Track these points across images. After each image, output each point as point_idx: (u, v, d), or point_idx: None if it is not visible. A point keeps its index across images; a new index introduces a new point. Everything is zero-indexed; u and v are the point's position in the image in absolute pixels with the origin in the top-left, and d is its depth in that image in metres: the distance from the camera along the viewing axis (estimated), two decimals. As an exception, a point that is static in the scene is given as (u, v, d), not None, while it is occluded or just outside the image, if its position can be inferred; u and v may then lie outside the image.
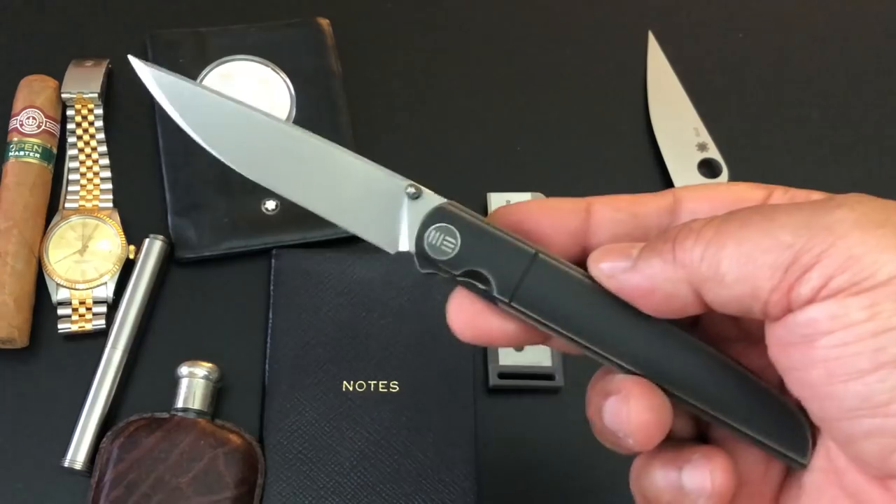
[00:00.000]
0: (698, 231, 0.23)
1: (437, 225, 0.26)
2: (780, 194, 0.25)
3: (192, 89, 0.29)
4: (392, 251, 0.27)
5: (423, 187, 0.27)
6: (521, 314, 0.25)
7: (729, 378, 0.25)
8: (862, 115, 0.58)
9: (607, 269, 0.24)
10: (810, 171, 0.55)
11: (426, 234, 0.26)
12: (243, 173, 0.28)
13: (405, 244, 0.27)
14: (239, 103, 0.28)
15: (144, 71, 0.29)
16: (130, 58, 0.30)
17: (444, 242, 0.26)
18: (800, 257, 0.21)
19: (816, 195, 0.25)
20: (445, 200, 0.27)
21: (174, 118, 0.29)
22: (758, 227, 0.22)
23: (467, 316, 0.26)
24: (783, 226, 0.21)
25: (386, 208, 0.27)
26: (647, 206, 0.26)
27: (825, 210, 0.21)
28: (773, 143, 0.56)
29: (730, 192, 0.26)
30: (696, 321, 0.27)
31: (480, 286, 0.26)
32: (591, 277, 0.25)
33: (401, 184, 0.27)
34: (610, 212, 0.26)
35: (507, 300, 0.25)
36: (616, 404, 0.24)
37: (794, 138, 0.56)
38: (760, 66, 0.59)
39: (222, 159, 0.28)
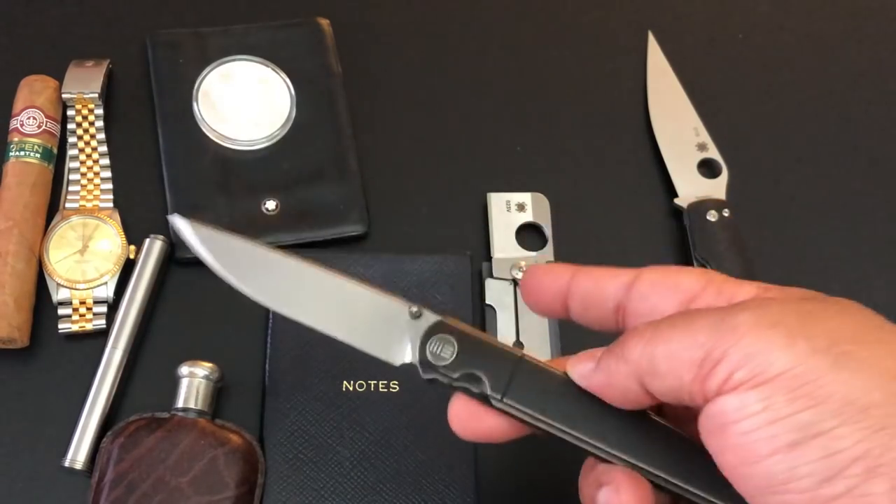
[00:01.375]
0: (640, 332, 0.27)
1: (438, 336, 0.31)
2: (713, 289, 0.29)
3: (228, 241, 0.35)
4: (397, 363, 0.32)
5: (423, 308, 0.32)
6: (513, 409, 0.30)
7: (690, 453, 0.28)
8: (862, 115, 0.58)
9: (578, 372, 0.29)
10: (810, 170, 0.55)
11: (428, 345, 0.31)
12: (269, 306, 0.34)
13: (408, 357, 0.32)
14: (270, 250, 0.34)
15: (186, 229, 0.34)
16: (171, 218, 0.35)
17: (443, 350, 0.31)
18: (710, 354, 0.24)
19: (746, 287, 0.28)
20: (441, 317, 0.32)
21: (210, 266, 0.34)
22: (682, 328, 0.26)
23: (466, 418, 0.31)
24: (701, 328, 0.25)
25: (391, 328, 0.32)
26: (615, 280, 0.30)
27: (733, 313, 0.25)
28: (773, 143, 0.56)
29: (671, 280, 0.29)
30: (660, 407, 0.31)
31: (474, 389, 0.30)
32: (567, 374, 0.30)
33: (404, 307, 0.32)
34: (584, 281, 0.31)
35: (499, 397, 0.30)
36: (608, 495, 0.28)
37: (794, 138, 0.56)
38: (760, 66, 0.59)
39: (255, 298, 0.34)
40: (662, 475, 0.28)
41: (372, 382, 0.45)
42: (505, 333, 0.47)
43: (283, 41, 0.54)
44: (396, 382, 0.45)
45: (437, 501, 0.43)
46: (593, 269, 0.31)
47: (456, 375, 0.30)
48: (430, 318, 0.32)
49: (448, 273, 0.48)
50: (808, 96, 0.58)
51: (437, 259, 0.48)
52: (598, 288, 0.31)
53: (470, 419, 0.31)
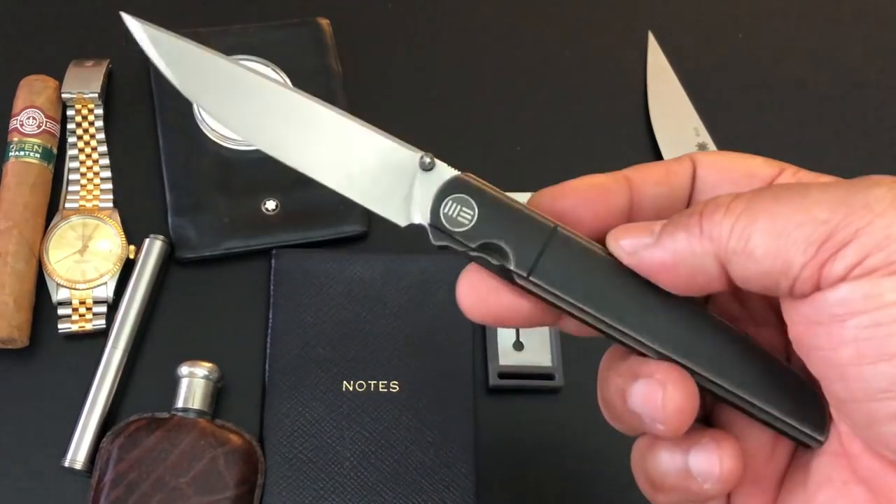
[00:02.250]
0: (727, 205, 0.22)
1: (454, 195, 0.25)
2: (790, 174, 0.25)
3: (189, 49, 0.28)
4: (403, 224, 0.27)
5: (436, 159, 0.26)
6: (539, 290, 0.25)
7: (750, 356, 0.24)
8: (862, 115, 0.58)
9: (628, 245, 0.24)
10: (811, 170, 0.55)
11: (442, 205, 0.26)
12: (245, 139, 0.28)
13: (417, 217, 0.26)
14: (240, 65, 0.27)
15: (138, 29, 0.28)
16: (123, 14, 0.29)
17: (461, 214, 0.25)
18: (835, 233, 0.20)
19: (825, 178, 0.24)
20: (460, 172, 0.26)
21: (172, 81, 0.28)
22: (791, 202, 0.21)
23: (480, 293, 0.26)
24: (818, 202, 0.21)
25: (397, 179, 0.26)
26: (678, 176, 0.26)
27: (863, 188, 0.21)
28: (773, 142, 0.56)
29: (743, 166, 0.26)
30: (705, 300, 0.27)
31: (495, 262, 0.25)
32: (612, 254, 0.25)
33: (414, 155, 0.26)
34: (651, 187, 0.26)
35: (525, 274, 0.25)
36: (648, 388, 0.24)
37: (795, 138, 0.56)
38: (760, 66, 0.59)
39: (223, 124, 0.28)
40: (720, 382, 0.24)
41: (372, 382, 0.45)
42: (505, 333, 0.47)
43: (283, 41, 0.54)
44: (396, 382, 0.45)
45: (437, 501, 0.43)
46: (644, 171, 0.26)
47: (475, 245, 0.25)
48: (444, 172, 0.26)
49: (448, 273, 0.48)
50: (809, 96, 0.58)
51: (437, 259, 0.48)
52: (672, 190, 0.26)
53: (486, 296, 0.26)
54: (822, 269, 0.21)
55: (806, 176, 0.25)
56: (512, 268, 0.25)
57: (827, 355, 0.21)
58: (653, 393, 0.24)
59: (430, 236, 0.26)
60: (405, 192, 0.26)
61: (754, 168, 0.25)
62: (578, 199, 0.26)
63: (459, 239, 0.25)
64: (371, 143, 0.27)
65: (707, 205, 0.23)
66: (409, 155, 0.27)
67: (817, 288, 0.21)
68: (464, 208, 0.25)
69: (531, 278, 0.25)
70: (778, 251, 0.21)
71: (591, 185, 0.26)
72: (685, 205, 0.26)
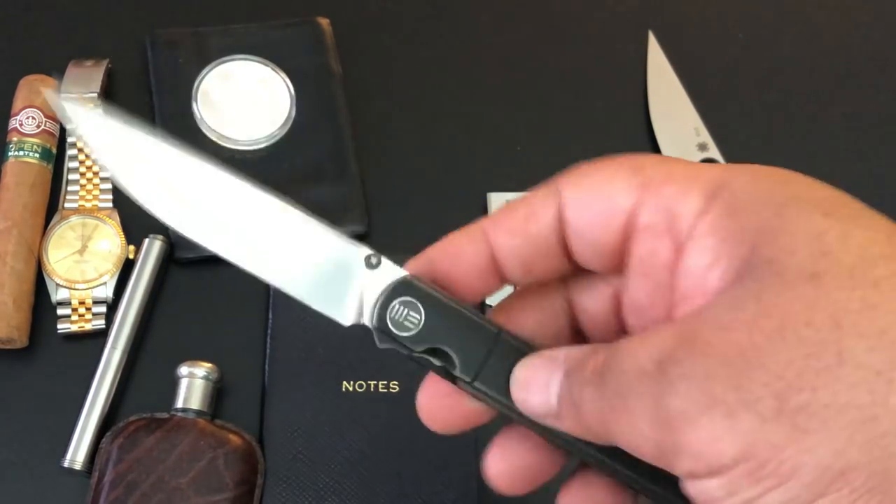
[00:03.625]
0: (589, 398, 0.22)
1: (402, 299, 0.25)
2: (651, 206, 0.23)
3: (103, 121, 0.26)
4: (345, 323, 0.26)
5: (382, 256, 0.25)
6: (483, 395, 0.25)
7: None
8: (862, 115, 0.58)
9: (533, 408, 0.24)
10: (811, 170, 0.55)
11: (389, 308, 0.25)
12: (169, 223, 0.26)
13: (363, 318, 0.25)
14: (174, 147, 0.26)
15: (59, 105, 0.26)
16: (46, 92, 0.27)
17: (408, 318, 0.25)
18: (662, 445, 0.20)
19: (691, 204, 0.22)
20: (407, 273, 0.25)
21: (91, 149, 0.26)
22: (623, 407, 0.21)
23: (440, 401, 0.26)
24: (642, 407, 0.20)
25: (342, 277, 0.25)
26: (538, 221, 0.25)
27: (667, 396, 0.19)
28: (773, 142, 0.56)
29: (603, 201, 0.24)
30: None
31: (438, 364, 0.25)
32: None
33: (359, 251, 0.25)
34: (506, 238, 0.25)
35: (469, 380, 0.24)
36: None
37: (795, 138, 0.56)
38: (760, 66, 0.59)
39: (144, 204, 0.26)
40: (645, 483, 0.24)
41: (372, 382, 0.45)
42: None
43: (283, 41, 0.54)
44: (396, 382, 0.45)
45: (437, 501, 0.43)
46: (501, 220, 0.25)
47: (420, 349, 0.24)
48: (391, 271, 0.25)
49: (448, 273, 0.48)
50: (809, 96, 0.58)
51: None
52: (529, 238, 0.25)
53: (447, 402, 0.26)
54: (672, 467, 0.20)
55: (667, 194, 0.22)
56: (457, 373, 0.24)
57: None
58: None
59: (375, 339, 0.25)
60: (350, 291, 0.25)
61: (614, 198, 0.23)
62: (444, 264, 0.25)
63: (405, 343, 0.25)
64: (315, 238, 0.26)
65: (580, 390, 0.22)
66: (354, 252, 0.25)
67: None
68: (411, 312, 0.25)
69: (475, 384, 0.24)
70: (643, 454, 0.21)
71: (446, 252, 0.26)
72: (552, 250, 0.25)
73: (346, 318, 0.26)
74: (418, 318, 0.25)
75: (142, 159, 0.27)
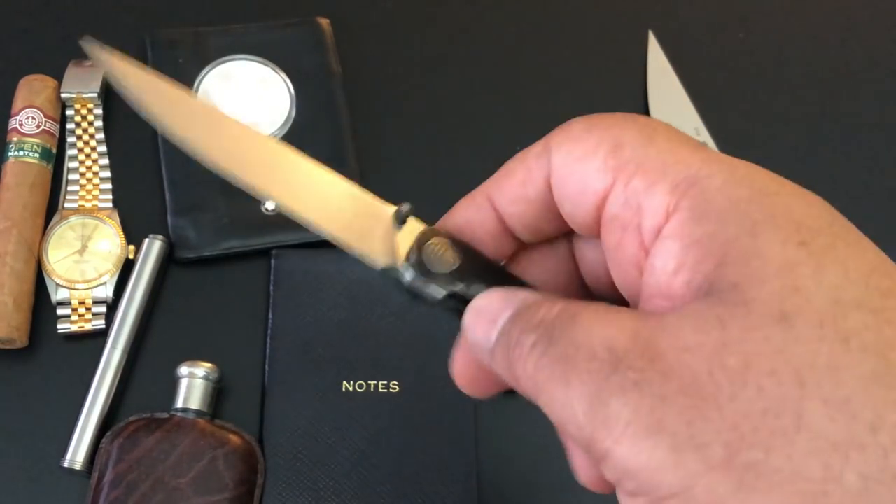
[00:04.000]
0: (525, 369, 0.21)
1: (437, 239, 0.25)
2: (622, 186, 0.22)
3: (161, 86, 0.27)
4: (378, 266, 0.26)
5: (411, 212, 0.26)
6: None
7: None
8: (862, 115, 0.58)
9: (477, 344, 0.23)
10: (811, 170, 0.55)
11: (426, 246, 0.25)
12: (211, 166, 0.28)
13: (392, 261, 0.25)
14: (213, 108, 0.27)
15: (103, 59, 0.26)
16: (83, 43, 0.27)
17: (443, 258, 0.25)
18: (592, 445, 0.19)
19: (657, 201, 0.21)
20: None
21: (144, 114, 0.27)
22: (560, 389, 0.19)
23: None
24: (576, 398, 0.19)
25: (372, 223, 0.26)
26: (535, 184, 0.24)
27: (606, 396, 0.18)
28: (773, 142, 0.56)
29: (580, 176, 0.23)
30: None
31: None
32: None
33: (387, 208, 0.26)
34: (510, 205, 0.25)
35: None
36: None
37: (795, 138, 0.56)
38: (760, 66, 0.59)
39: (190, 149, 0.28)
40: None
41: (372, 382, 0.45)
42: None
43: (283, 41, 0.54)
44: (396, 382, 0.45)
45: (437, 501, 0.43)
46: (501, 186, 0.25)
47: (453, 289, 0.25)
48: (419, 226, 0.26)
49: (448, 273, 0.48)
50: (809, 96, 0.58)
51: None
52: (530, 203, 0.24)
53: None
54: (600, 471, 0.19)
55: (637, 186, 0.22)
56: None
57: None
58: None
59: (406, 279, 0.25)
60: (383, 236, 0.26)
61: (588, 180, 0.23)
62: (458, 234, 0.25)
63: (441, 283, 0.25)
64: (348, 190, 0.27)
65: (513, 348, 0.21)
66: (384, 208, 0.26)
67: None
68: (445, 253, 0.25)
69: None
70: (565, 432, 0.21)
71: (457, 224, 0.26)
72: (552, 212, 0.24)
73: (378, 261, 0.26)
74: (452, 260, 0.25)
75: (192, 114, 0.27)
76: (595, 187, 0.22)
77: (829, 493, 0.16)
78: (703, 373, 0.18)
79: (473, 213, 0.25)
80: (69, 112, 0.50)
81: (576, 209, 0.23)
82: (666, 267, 0.20)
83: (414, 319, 0.46)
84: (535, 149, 0.25)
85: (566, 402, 0.19)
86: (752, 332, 0.18)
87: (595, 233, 0.24)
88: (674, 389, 0.18)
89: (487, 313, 0.23)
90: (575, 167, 0.23)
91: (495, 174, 0.26)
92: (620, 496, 0.19)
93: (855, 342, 0.17)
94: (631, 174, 0.22)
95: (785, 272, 0.18)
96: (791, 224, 0.19)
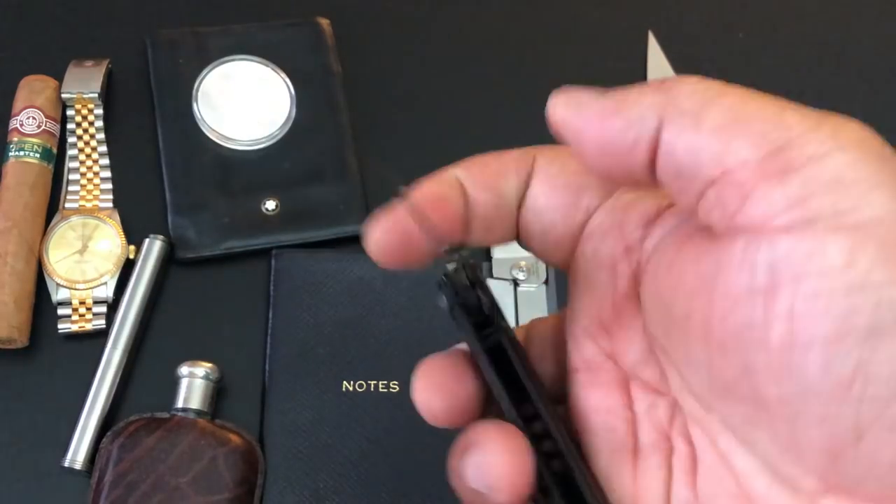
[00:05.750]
0: (700, 78, 0.19)
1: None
2: (616, 196, 0.23)
3: None
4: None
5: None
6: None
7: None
8: (862, 115, 0.58)
9: (568, 102, 0.21)
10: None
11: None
12: None
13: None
14: None
15: None
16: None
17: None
18: (788, 147, 0.17)
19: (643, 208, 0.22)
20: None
21: None
22: (767, 100, 0.18)
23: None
24: (790, 111, 0.18)
25: None
26: (512, 178, 0.24)
27: (824, 115, 0.18)
28: (773, 143, 0.56)
29: (576, 193, 0.23)
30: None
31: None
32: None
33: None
34: (480, 191, 0.23)
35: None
36: (477, 457, 0.22)
37: (794, 138, 0.56)
38: (760, 66, 0.59)
39: None
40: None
41: (372, 382, 0.45)
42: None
43: (283, 41, 0.54)
44: (396, 382, 0.45)
45: (437, 501, 0.43)
46: (473, 169, 0.24)
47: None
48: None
49: (448, 273, 0.48)
50: (809, 96, 0.58)
51: (437, 259, 0.48)
52: (499, 197, 0.23)
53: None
54: (760, 182, 0.17)
55: (629, 197, 0.22)
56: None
57: (744, 332, 0.17)
58: (479, 460, 0.22)
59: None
60: None
61: (582, 196, 0.23)
62: (427, 209, 0.23)
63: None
64: None
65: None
66: None
67: (741, 211, 0.17)
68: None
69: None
70: (726, 132, 0.18)
71: (429, 197, 0.23)
72: (511, 218, 0.23)
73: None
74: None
75: None
76: (586, 205, 0.23)
77: None
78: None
79: (447, 190, 0.23)
80: (70, 112, 0.50)
81: (559, 221, 0.23)
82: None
83: (414, 319, 0.47)
84: (515, 151, 0.25)
85: (775, 114, 0.18)
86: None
87: (566, 245, 0.23)
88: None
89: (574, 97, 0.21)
90: (570, 180, 0.23)
91: (464, 162, 0.25)
92: (802, 227, 0.17)
93: None
94: (623, 190, 0.22)
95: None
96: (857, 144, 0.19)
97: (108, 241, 0.47)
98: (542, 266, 0.49)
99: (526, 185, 0.23)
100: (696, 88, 0.18)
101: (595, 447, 0.23)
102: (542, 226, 0.23)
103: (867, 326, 0.16)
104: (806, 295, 0.16)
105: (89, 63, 0.52)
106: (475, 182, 0.24)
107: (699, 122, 0.18)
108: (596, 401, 0.23)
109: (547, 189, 0.23)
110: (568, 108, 0.20)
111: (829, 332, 0.16)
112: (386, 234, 0.23)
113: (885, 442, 0.16)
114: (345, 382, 0.45)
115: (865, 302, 0.16)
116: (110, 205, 0.48)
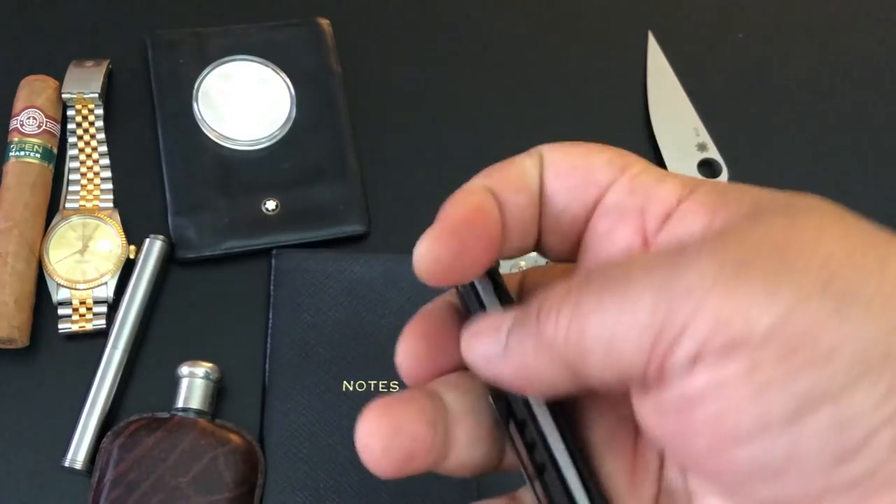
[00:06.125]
0: (558, 302, 0.20)
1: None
2: (628, 179, 0.23)
3: None
4: None
5: None
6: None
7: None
8: (861, 115, 0.58)
9: (481, 355, 0.22)
10: (810, 170, 0.55)
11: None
12: None
13: None
14: None
15: None
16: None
17: None
18: (665, 327, 0.18)
19: (668, 189, 0.22)
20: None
21: None
22: (615, 298, 0.19)
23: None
24: (640, 295, 0.19)
25: None
26: (531, 177, 0.23)
27: (682, 269, 0.18)
28: (773, 143, 0.56)
29: (584, 170, 0.23)
30: None
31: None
32: None
33: None
34: (512, 195, 0.23)
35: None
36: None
37: (794, 138, 0.56)
38: (760, 66, 0.59)
39: None
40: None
41: (372, 382, 0.45)
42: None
43: (283, 41, 0.54)
44: (396, 382, 0.45)
45: (437, 501, 0.43)
46: (492, 180, 0.23)
47: None
48: None
49: (448, 273, 0.48)
50: (809, 96, 0.58)
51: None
52: (516, 204, 0.23)
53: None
54: (663, 363, 0.19)
55: (643, 181, 0.22)
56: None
57: (685, 446, 0.19)
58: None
59: None
60: None
61: (594, 172, 0.23)
62: (464, 232, 0.22)
63: None
64: None
65: (542, 303, 0.20)
66: None
67: (664, 381, 0.19)
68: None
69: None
70: (613, 355, 0.19)
71: (468, 209, 0.23)
72: (535, 219, 0.24)
73: None
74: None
75: None
76: (599, 179, 0.23)
77: None
78: (780, 236, 0.18)
79: (481, 199, 0.23)
80: (70, 112, 0.50)
81: (572, 202, 0.23)
82: (692, 230, 0.21)
83: (414, 319, 0.47)
84: (522, 154, 0.24)
85: (622, 311, 0.19)
86: (809, 221, 0.19)
87: (578, 229, 0.24)
88: (755, 244, 0.18)
89: (487, 327, 0.22)
90: (578, 161, 0.23)
91: (482, 173, 0.24)
92: (691, 379, 0.18)
93: None
94: (639, 171, 0.23)
95: (814, 214, 0.19)
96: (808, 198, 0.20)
97: (109, 241, 0.47)
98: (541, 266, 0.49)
99: (541, 178, 0.24)
100: (567, 333, 0.20)
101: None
102: (555, 212, 0.23)
103: (787, 415, 0.17)
104: (720, 409, 0.18)
105: (89, 63, 0.52)
106: (504, 187, 0.23)
107: (591, 363, 0.20)
108: None
109: (557, 173, 0.23)
110: (488, 371, 0.22)
111: (758, 427, 0.18)
112: (434, 248, 0.22)
113: None
114: (345, 382, 0.45)
115: (779, 398, 0.17)
116: (110, 205, 0.48)
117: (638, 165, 0.23)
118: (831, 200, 0.20)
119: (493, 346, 0.21)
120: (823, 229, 0.18)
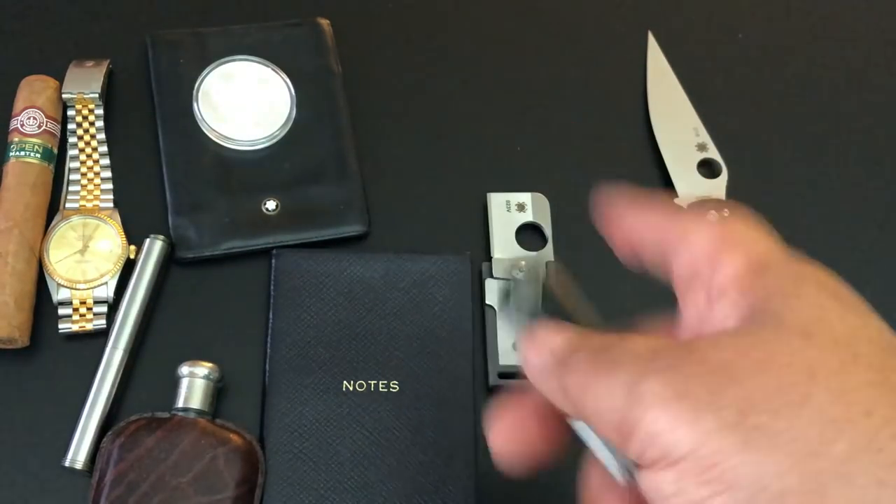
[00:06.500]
0: (576, 364, 0.24)
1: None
2: (706, 262, 0.25)
3: None
4: None
5: None
6: None
7: None
8: (861, 115, 0.58)
9: (538, 360, 0.26)
10: (810, 171, 0.55)
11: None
12: None
13: None
14: None
15: None
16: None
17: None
18: (624, 422, 0.22)
19: (726, 271, 0.24)
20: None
21: None
22: (604, 375, 0.23)
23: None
24: (617, 384, 0.22)
25: None
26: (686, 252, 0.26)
27: (644, 376, 0.22)
28: (773, 143, 0.56)
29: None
30: None
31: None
32: None
33: None
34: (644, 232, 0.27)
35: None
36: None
37: (794, 138, 0.56)
38: (760, 66, 0.59)
39: None
40: None
41: (372, 382, 0.45)
42: (505, 333, 0.47)
43: (283, 41, 0.54)
44: (396, 382, 0.45)
45: (438, 501, 0.43)
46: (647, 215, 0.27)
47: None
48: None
49: (448, 273, 0.48)
50: (809, 96, 0.58)
51: (437, 259, 0.48)
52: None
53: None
54: (626, 451, 0.22)
55: (717, 258, 0.25)
56: None
57: None
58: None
59: None
60: None
61: (702, 241, 0.26)
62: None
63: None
64: None
65: (574, 354, 0.25)
66: None
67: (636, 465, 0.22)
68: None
69: None
70: (602, 422, 0.23)
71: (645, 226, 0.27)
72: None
73: None
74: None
75: None
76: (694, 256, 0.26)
77: (819, 455, 0.19)
78: (730, 360, 0.21)
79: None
80: (70, 112, 0.50)
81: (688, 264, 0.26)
82: (721, 313, 0.24)
83: (414, 319, 0.47)
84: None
85: (608, 391, 0.22)
86: (779, 338, 0.21)
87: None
88: (702, 370, 0.21)
89: (543, 340, 0.26)
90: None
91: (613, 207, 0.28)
92: (644, 476, 0.22)
93: (863, 360, 0.21)
94: (717, 252, 0.25)
95: (816, 309, 0.22)
96: (831, 288, 0.23)
97: (109, 241, 0.47)
98: (542, 266, 0.49)
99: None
100: (576, 399, 0.24)
101: None
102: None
103: None
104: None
105: (90, 63, 0.52)
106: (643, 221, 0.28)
107: (596, 425, 0.24)
108: None
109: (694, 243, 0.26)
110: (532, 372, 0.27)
111: None
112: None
113: None
114: (345, 382, 0.45)
115: None
116: (111, 205, 0.48)
117: (731, 236, 0.25)
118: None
119: (540, 361, 0.26)
120: (794, 353, 0.21)
